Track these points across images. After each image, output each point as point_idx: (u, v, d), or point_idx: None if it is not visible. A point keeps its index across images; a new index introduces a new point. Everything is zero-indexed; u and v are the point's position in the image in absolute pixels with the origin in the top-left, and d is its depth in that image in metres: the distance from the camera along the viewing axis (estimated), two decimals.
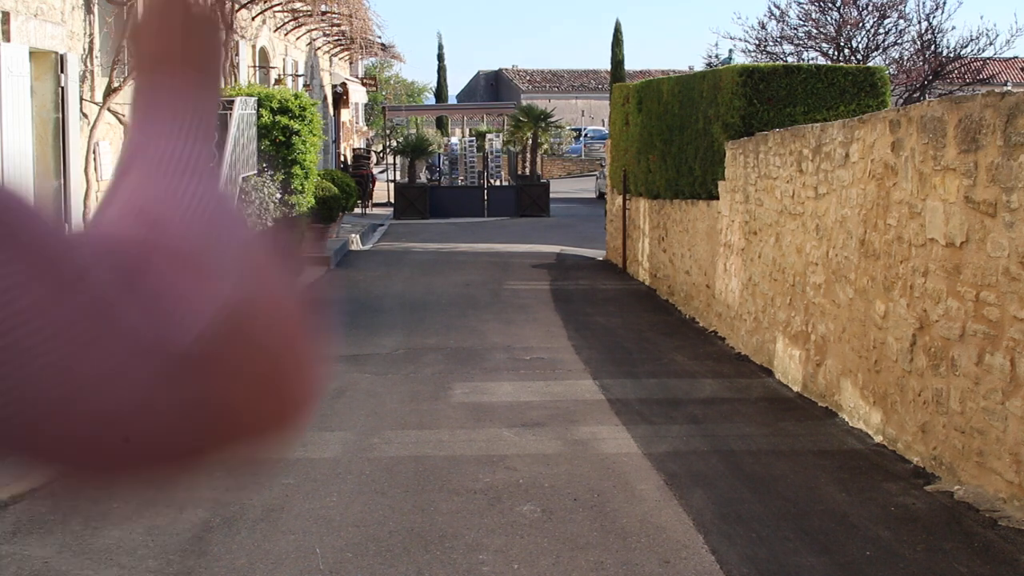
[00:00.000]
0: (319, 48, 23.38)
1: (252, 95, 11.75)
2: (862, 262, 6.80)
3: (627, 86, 15.61)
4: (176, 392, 0.64)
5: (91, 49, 8.99)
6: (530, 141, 29.82)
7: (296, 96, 12.44)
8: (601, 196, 34.85)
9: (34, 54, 7.77)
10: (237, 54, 14.23)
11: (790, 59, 24.48)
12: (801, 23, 25.11)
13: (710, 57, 29.86)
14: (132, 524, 4.99)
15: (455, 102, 56.65)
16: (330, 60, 26.29)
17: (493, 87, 62.88)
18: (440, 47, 56.38)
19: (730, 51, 30.86)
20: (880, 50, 24.56)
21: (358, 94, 34.87)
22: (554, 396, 7.84)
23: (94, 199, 8.91)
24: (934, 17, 23.85)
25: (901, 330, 6.14)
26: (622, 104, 15.55)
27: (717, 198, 10.76)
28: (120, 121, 9.49)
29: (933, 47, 23.77)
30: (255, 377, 0.70)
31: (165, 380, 0.63)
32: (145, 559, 4.55)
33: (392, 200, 27.30)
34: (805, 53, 25.08)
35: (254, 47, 16.08)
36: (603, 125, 51.30)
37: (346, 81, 28.65)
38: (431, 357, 9.20)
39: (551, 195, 28.02)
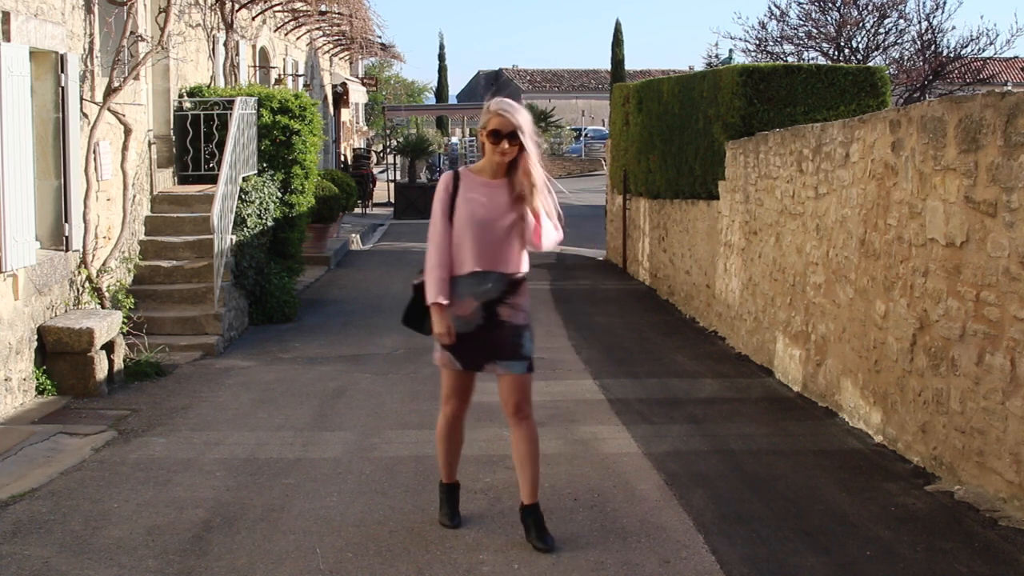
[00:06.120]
0: (319, 48, 23.37)
1: (252, 95, 11.74)
2: (862, 262, 6.81)
3: (627, 86, 15.61)
4: None
5: (91, 49, 8.99)
6: None
7: (296, 96, 12.40)
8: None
9: (34, 54, 7.77)
10: (237, 54, 14.22)
11: (790, 59, 24.48)
12: (801, 23, 25.12)
13: (710, 57, 29.89)
14: (132, 524, 4.99)
15: (455, 102, 56.65)
16: (330, 60, 26.28)
17: (493, 87, 62.87)
18: (441, 47, 56.32)
19: (730, 51, 30.88)
20: (880, 50, 24.56)
21: (358, 94, 34.86)
22: (554, 396, 7.84)
23: (94, 199, 8.91)
24: (934, 17, 23.86)
25: (901, 330, 6.14)
26: (622, 104, 15.55)
27: (717, 198, 10.76)
28: (120, 121, 9.49)
29: (933, 47, 23.77)
30: None
31: None
32: (145, 559, 4.55)
33: (392, 200, 27.31)
34: (805, 53, 25.08)
35: (254, 47, 16.08)
36: (603, 125, 51.31)
37: (346, 81, 28.64)
38: (431, 357, 9.19)
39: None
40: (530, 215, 4.50)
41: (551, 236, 4.57)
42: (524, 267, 4.65)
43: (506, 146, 4.44)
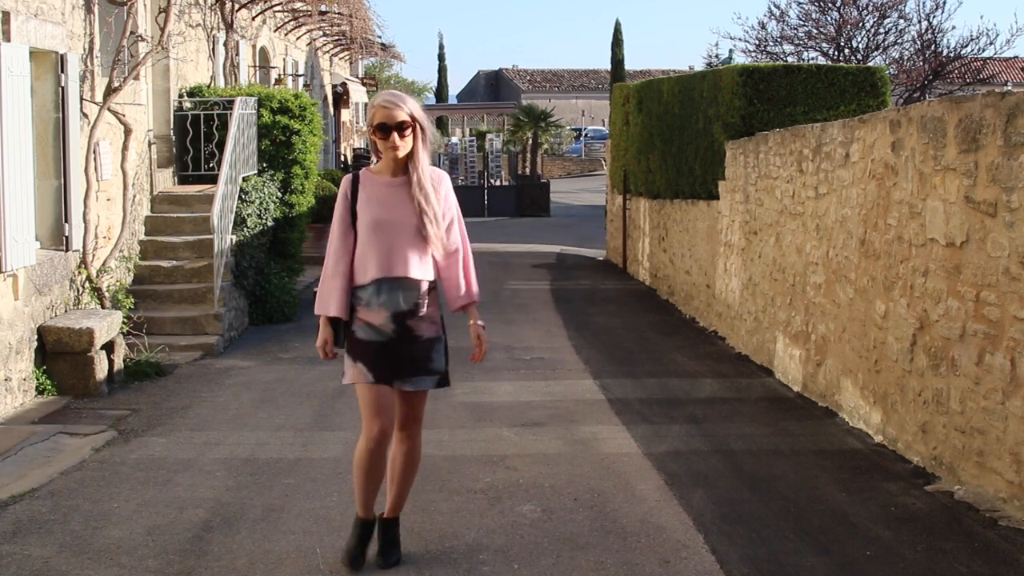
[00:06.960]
0: (319, 48, 23.36)
1: (252, 95, 11.75)
2: (862, 262, 6.81)
3: (627, 86, 15.61)
4: None
5: (91, 49, 8.99)
6: (530, 141, 29.82)
7: (296, 96, 12.40)
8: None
9: (34, 54, 7.77)
10: (237, 54, 14.22)
11: (790, 59, 24.47)
12: (801, 23, 25.09)
13: (710, 57, 29.85)
14: (132, 524, 4.99)
15: (455, 102, 56.65)
16: (330, 60, 26.27)
17: (493, 87, 62.88)
18: (441, 47, 56.37)
19: (730, 51, 30.84)
20: (880, 50, 24.54)
21: (358, 94, 34.81)
22: (554, 396, 7.84)
23: (94, 199, 8.91)
24: (934, 17, 23.83)
25: (901, 330, 6.14)
26: (622, 104, 15.55)
27: (717, 198, 10.76)
28: (120, 121, 9.48)
29: (933, 47, 23.75)
30: None
31: None
32: (145, 559, 4.55)
33: None
34: (805, 53, 25.06)
35: (254, 47, 16.07)
36: (603, 125, 51.31)
37: (346, 81, 28.62)
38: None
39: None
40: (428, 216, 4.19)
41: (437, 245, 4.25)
42: (431, 272, 4.30)
43: (396, 139, 4.13)
